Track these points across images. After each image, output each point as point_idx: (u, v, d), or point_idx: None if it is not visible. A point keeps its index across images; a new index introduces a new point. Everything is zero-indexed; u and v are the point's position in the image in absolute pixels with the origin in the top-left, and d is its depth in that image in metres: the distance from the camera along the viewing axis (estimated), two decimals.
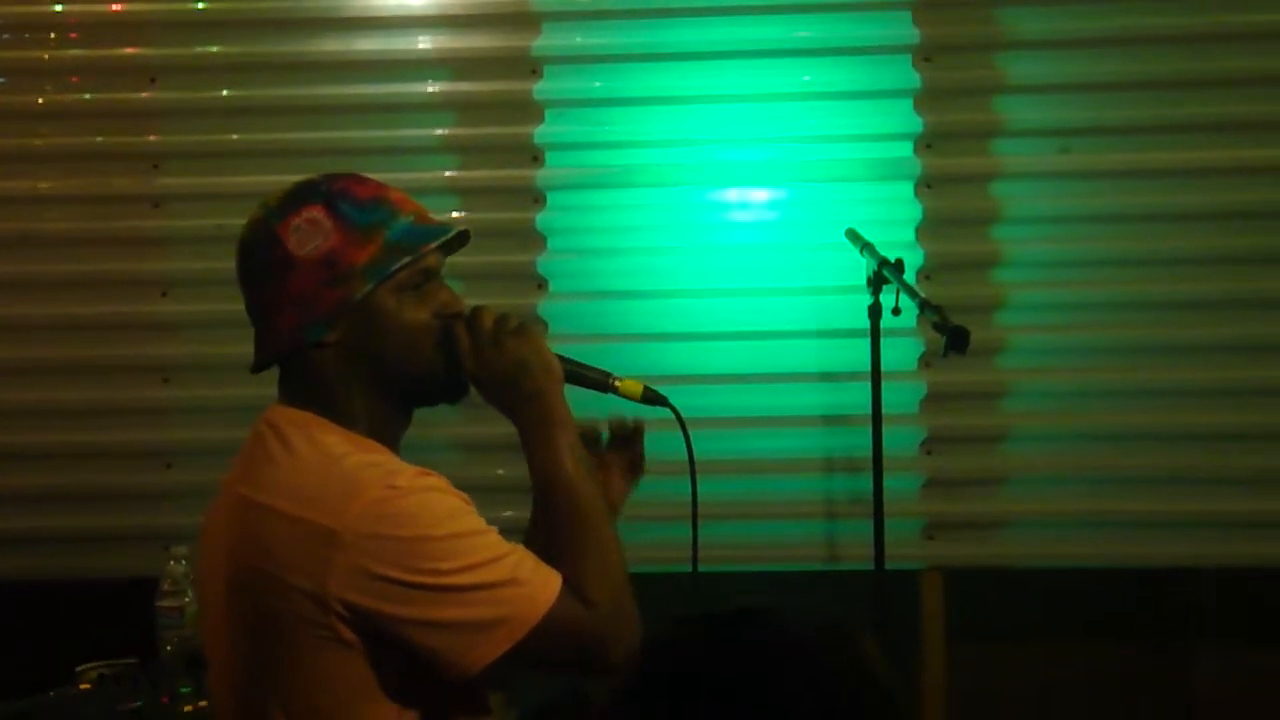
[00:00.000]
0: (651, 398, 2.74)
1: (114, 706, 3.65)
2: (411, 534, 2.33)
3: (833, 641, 1.59)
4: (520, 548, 2.42)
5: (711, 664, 1.57)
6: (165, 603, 3.89)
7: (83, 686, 3.82)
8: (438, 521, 2.36)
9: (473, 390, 2.57)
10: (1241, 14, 4.46)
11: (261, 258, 2.47)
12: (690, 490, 2.86)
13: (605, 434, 2.90)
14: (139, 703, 3.67)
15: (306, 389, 2.50)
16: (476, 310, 2.57)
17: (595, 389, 2.70)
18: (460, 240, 2.60)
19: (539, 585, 2.37)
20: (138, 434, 4.62)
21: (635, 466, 2.92)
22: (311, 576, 2.33)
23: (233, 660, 2.49)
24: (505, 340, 2.54)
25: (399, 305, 2.50)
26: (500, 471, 4.43)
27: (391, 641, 2.34)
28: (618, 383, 2.72)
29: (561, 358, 2.62)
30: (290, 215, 2.47)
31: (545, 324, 4.51)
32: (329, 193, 2.49)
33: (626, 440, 2.91)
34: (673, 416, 2.82)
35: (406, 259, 2.49)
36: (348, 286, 2.44)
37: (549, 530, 2.47)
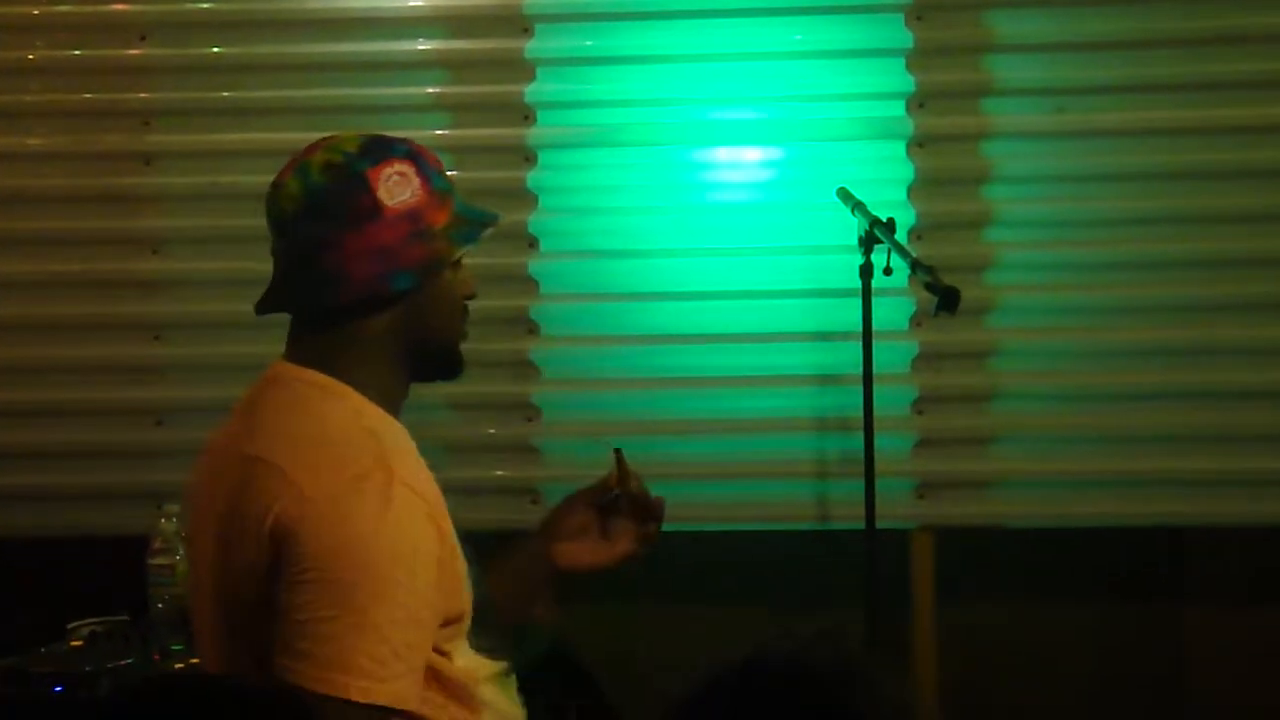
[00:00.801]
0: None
1: (105, 663, 3.66)
2: (357, 551, 2.35)
3: (859, 684, 1.58)
4: (424, 647, 2.41)
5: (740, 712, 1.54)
6: (157, 560, 3.90)
7: (74, 643, 3.84)
8: (389, 559, 2.37)
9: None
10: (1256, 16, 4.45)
11: (345, 200, 2.45)
12: None
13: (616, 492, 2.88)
14: (130, 659, 3.69)
15: (327, 347, 2.50)
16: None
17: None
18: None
19: (378, 677, 2.34)
20: (129, 392, 4.62)
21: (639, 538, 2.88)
22: (270, 510, 2.38)
23: (217, 616, 2.50)
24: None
25: (454, 277, 2.54)
26: (491, 431, 4.44)
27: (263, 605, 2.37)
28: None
29: None
30: (381, 164, 2.47)
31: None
32: (411, 151, 2.52)
33: (638, 512, 2.87)
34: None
35: (484, 230, 2.53)
36: (434, 244, 2.46)
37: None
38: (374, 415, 2.47)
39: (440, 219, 2.48)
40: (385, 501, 2.36)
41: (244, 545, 2.41)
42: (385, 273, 2.45)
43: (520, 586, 2.77)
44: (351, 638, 2.33)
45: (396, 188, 2.46)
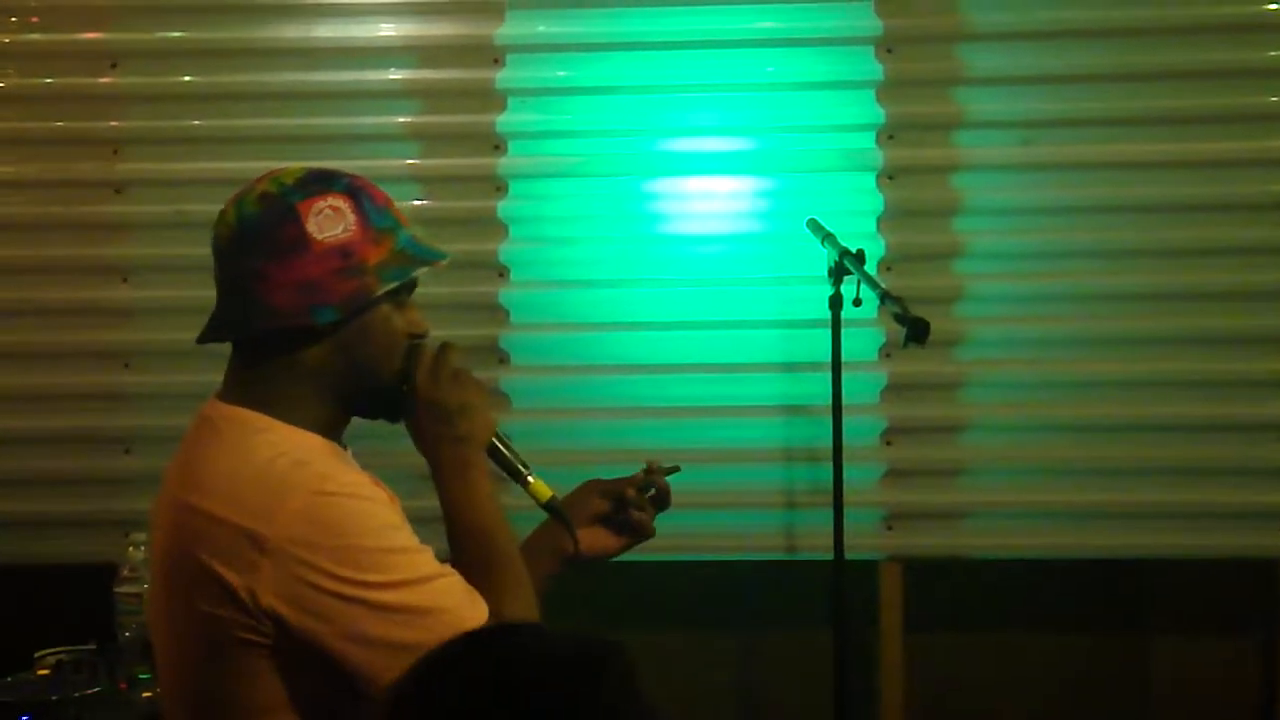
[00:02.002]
0: (552, 508, 2.71)
1: (72, 692, 3.65)
2: (340, 542, 2.34)
3: (592, 660, 1.59)
4: (450, 571, 2.42)
5: (469, 680, 1.58)
6: (124, 589, 3.88)
7: (40, 672, 3.82)
8: (368, 532, 2.36)
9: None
10: (1203, 7, 4.48)
11: (273, 232, 2.43)
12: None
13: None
14: (97, 689, 3.67)
15: (259, 381, 2.48)
16: (447, 345, 2.58)
17: (509, 473, 2.68)
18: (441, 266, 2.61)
19: (467, 610, 2.38)
20: (98, 419, 4.61)
21: (631, 529, 2.87)
22: (240, 581, 2.32)
23: (168, 655, 2.50)
24: (464, 379, 2.55)
25: (390, 314, 2.51)
26: None
27: (310, 650, 2.33)
28: (530, 479, 2.69)
29: (497, 433, 2.62)
30: (314, 197, 2.45)
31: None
32: (351, 187, 2.49)
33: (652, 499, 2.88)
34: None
35: (421, 268, 2.51)
36: (362, 280, 2.44)
37: (467, 566, 2.47)
38: (307, 439, 2.46)
39: (374, 255, 2.46)
40: (329, 497, 2.35)
41: (201, 597, 2.37)
42: (308, 305, 2.42)
43: (532, 559, 2.74)
44: (422, 594, 2.36)
45: (327, 222, 2.44)
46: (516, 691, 1.55)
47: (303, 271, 2.42)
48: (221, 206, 2.51)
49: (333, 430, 2.52)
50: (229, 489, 2.37)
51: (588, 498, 2.86)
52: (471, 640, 1.66)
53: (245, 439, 2.43)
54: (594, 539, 2.85)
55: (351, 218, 2.46)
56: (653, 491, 2.87)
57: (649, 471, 2.87)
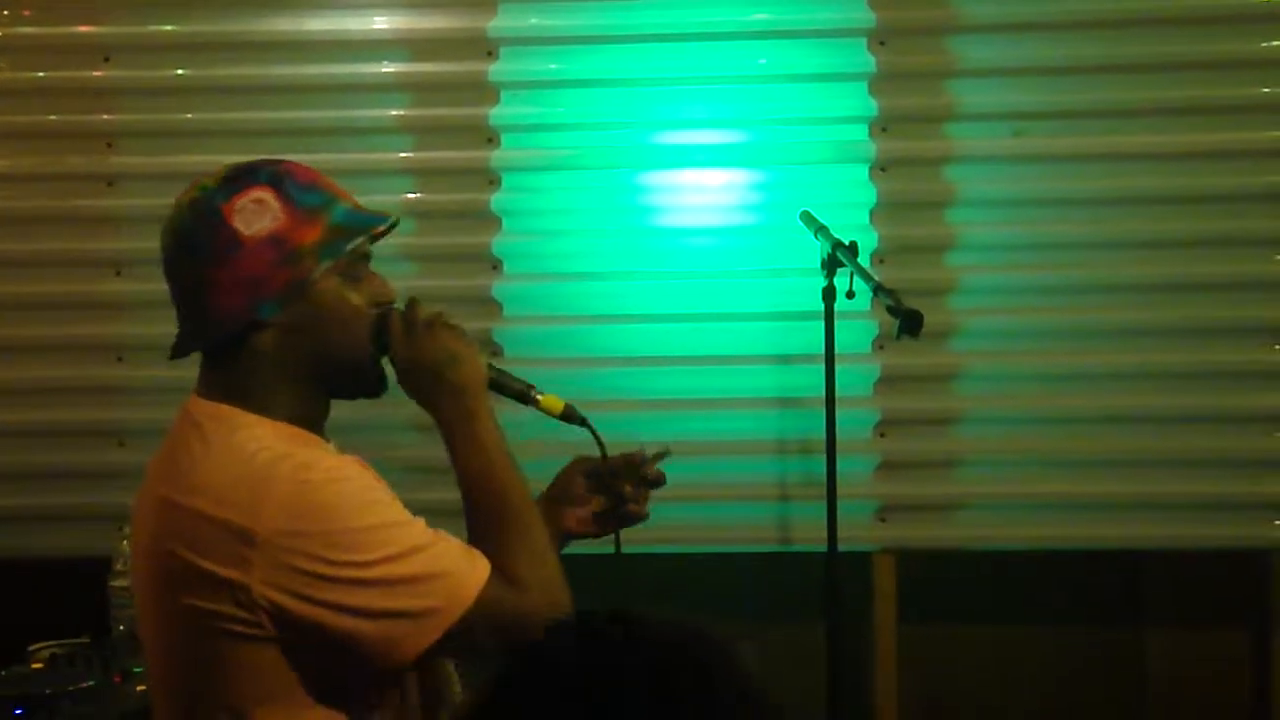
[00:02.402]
0: (570, 415, 2.70)
1: (66, 686, 3.65)
2: (329, 526, 2.33)
3: (693, 647, 1.57)
4: (444, 535, 2.43)
5: (579, 667, 1.54)
6: (118, 582, 3.89)
7: (35, 665, 3.82)
8: (355, 512, 2.36)
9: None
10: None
11: (204, 239, 2.43)
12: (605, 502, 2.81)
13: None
14: (91, 682, 3.67)
15: (230, 377, 2.47)
16: (413, 300, 2.57)
17: (516, 398, 2.68)
18: (389, 229, 2.59)
19: (466, 572, 2.39)
20: (91, 412, 4.61)
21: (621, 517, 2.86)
22: (231, 576, 2.32)
23: (156, 650, 2.50)
24: (439, 331, 2.55)
25: (340, 289, 2.49)
26: None
27: (317, 636, 2.33)
28: (539, 396, 2.69)
29: (488, 364, 2.60)
30: (235, 196, 2.45)
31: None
32: (273, 174, 2.48)
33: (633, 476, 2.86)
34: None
35: (358, 239, 2.49)
36: (298, 266, 2.43)
37: (474, 519, 2.48)
38: (285, 436, 2.46)
39: (308, 236, 2.44)
40: (312, 485, 2.35)
41: (190, 593, 2.37)
42: (253, 302, 2.42)
43: None
44: (419, 562, 2.36)
45: (254, 216, 2.43)
46: (628, 684, 1.52)
47: (242, 270, 2.42)
48: None
49: (313, 419, 2.52)
50: (214, 485, 2.37)
51: (573, 477, 2.86)
52: (579, 630, 1.61)
53: (227, 435, 2.43)
54: (583, 521, 2.85)
55: (276, 205, 2.44)
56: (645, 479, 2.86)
57: (640, 462, 2.85)
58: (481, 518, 2.48)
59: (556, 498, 2.83)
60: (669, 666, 1.53)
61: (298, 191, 2.47)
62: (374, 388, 2.57)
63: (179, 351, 2.52)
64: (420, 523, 2.42)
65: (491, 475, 2.50)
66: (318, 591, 2.32)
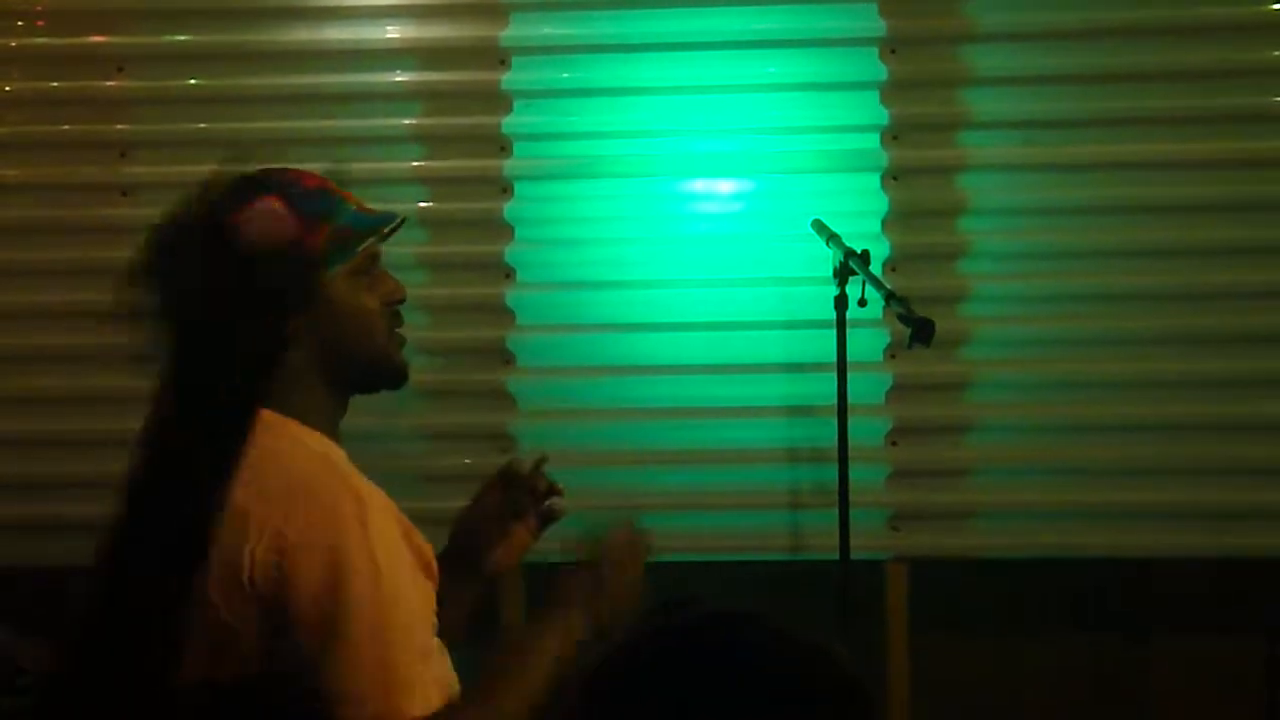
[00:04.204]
0: None
1: None
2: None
3: (811, 652, 1.57)
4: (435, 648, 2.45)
5: (684, 672, 1.52)
6: None
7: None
8: (387, 569, 2.38)
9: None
10: (1208, 7, 4.48)
11: (213, 253, 2.45)
12: None
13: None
14: None
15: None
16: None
17: None
18: (397, 228, 2.61)
19: (393, 696, 2.36)
20: (111, 423, 4.61)
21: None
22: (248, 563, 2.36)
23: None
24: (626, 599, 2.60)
25: (353, 291, 2.52)
26: (467, 461, 4.44)
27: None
28: None
29: None
30: (243, 206, 2.46)
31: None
32: (279, 183, 2.50)
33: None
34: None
35: (368, 240, 2.51)
36: (310, 271, 2.45)
37: (493, 680, 2.48)
38: (319, 441, 2.47)
39: (316, 242, 2.47)
40: (363, 526, 2.36)
41: (219, 584, 2.39)
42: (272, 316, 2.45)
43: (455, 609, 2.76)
44: (385, 659, 2.36)
45: (263, 226, 2.45)
46: (737, 679, 1.51)
47: (260, 281, 2.43)
48: None
49: (335, 420, 2.54)
50: (263, 489, 2.39)
51: (479, 527, 2.88)
52: (681, 630, 1.59)
53: (264, 437, 2.44)
54: (507, 552, 2.87)
55: (284, 213, 2.46)
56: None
57: (518, 476, 2.86)
58: (497, 685, 2.47)
59: (465, 551, 2.85)
60: (795, 660, 1.55)
61: (302, 199, 2.49)
62: (396, 381, 2.59)
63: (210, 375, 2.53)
64: (427, 608, 2.45)
65: (540, 662, 2.49)
66: (307, 630, 2.35)
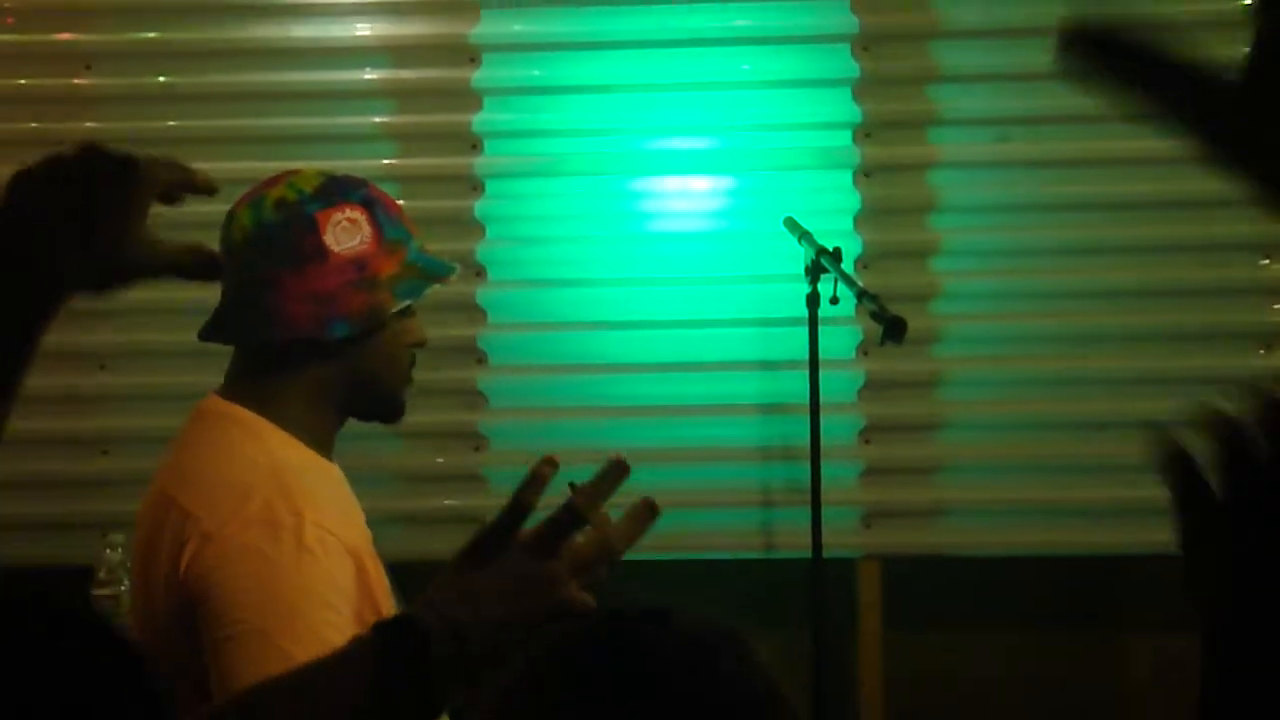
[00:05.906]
0: None
1: None
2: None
3: (726, 645, 1.57)
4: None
5: (603, 665, 1.53)
6: (101, 591, 3.88)
7: None
8: (317, 595, 2.33)
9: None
10: (1180, 4, 4.48)
11: (291, 241, 2.44)
12: None
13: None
14: None
15: (260, 383, 2.48)
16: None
17: None
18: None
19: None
20: (75, 421, 4.59)
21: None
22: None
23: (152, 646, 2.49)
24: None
25: (399, 328, 2.52)
26: (439, 460, 4.43)
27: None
28: None
29: None
30: (332, 208, 2.45)
31: None
32: (368, 197, 2.49)
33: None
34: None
35: (434, 284, 2.51)
36: (375, 295, 2.45)
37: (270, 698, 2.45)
38: (294, 454, 2.45)
39: (387, 268, 2.47)
40: (298, 543, 2.33)
41: (160, 585, 2.39)
42: (323, 318, 2.43)
43: None
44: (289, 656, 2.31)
45: (345, 233, 2.45)
46: (641, 684, 1.51)
47: (318, 283, 2.43)
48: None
49: (326, 439, 2.52)
50: (209, 490, 2.38)
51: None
52: (589, 634, 1.60)
53: (240, 441, 2.44)
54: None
55: (368, 230, 2.46)
56: None
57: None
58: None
59: None
60: (701, 664, 1.52)
61: (386, 221, 2.49)
62: (395, 420, 2.59)
63: (213, 336, 2.51)
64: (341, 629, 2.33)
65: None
66: (218, 639, 2.31)
